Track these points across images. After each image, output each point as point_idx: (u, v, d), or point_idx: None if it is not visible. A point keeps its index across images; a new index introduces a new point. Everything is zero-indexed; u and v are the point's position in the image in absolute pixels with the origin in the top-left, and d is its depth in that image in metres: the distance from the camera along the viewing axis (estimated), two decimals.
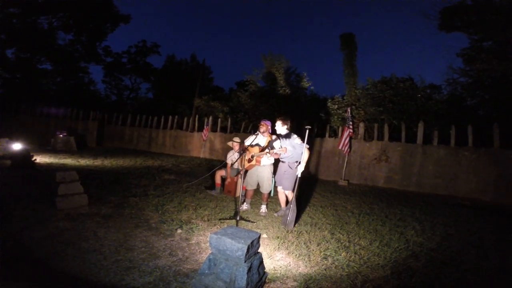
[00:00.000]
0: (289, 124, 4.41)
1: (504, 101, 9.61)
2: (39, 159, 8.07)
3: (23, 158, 6.66)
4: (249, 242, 2.22)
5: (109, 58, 23.56)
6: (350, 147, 8.40)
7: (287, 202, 4.52)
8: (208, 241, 3.18)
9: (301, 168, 4.14)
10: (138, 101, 25.11)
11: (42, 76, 20.53)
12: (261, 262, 2.45)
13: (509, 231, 4.34)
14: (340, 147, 8.36)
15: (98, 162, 8.84)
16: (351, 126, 8.34)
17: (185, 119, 13.48)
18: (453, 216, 5.04)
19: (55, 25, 19.40)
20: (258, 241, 2.42)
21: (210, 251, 2.86)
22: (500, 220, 5.01)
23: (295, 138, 4.31)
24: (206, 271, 2.27)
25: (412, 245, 3.51)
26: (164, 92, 21.64)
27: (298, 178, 4.16)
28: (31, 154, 7.14)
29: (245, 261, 2.20)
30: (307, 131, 4.18)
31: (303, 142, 4.15)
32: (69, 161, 8.63)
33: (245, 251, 2.17)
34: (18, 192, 4.67)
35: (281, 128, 4.38)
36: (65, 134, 11.60)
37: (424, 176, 7.73)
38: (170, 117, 13.60)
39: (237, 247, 2.19)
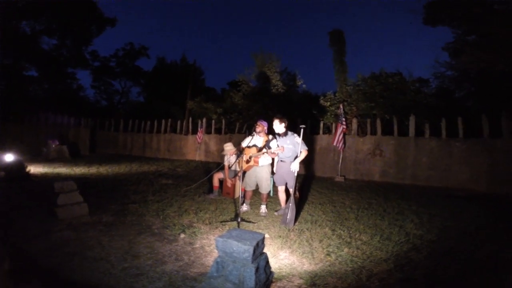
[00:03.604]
0: (286, 122, 4.47)
1: (490, 92, 9.86)
2: (33, 169, 7.95)
3: (17, 169, 6.57)
4: (254, 243, 2.26)
5: (97, 62, 23.32)
6: (344, 143, 8.51)
7: (287, 200, 4.58)
8: (214, 244, 3.23)
9: (295, 165, 4.22)
10: (129, 105, 24.90)
11: (28, 83, 20.12)
12: (267, 262, 2.50)
13: (503, 219, 4.48)
14: (334, 144, 8.46)
15: (93, 169, 8.76)
16: (344, 122, 8.45)
17: (179, 122, 13.43)
18: (449, 207, 5.16)
19: (38, 29, 19.01)
20: (263, 242, 2.46)
21: (215, 254, 2.90)
22: (494, 209, 5.13)
23: (296, 137, 4.38)
24: (215, 274, 2.31)
25: (413, 238, 3.59)
26: (155, 95, 21.50)
27: (295, 176, 4.25)
28: (25, 164, 7.04)
29: (252, 262, 2.24)
30: (302, 130, 4.26)
31: (300, 139, 4.25)
32: (63, 170, 8.53)
33: (252, 252, 2.21)
34: (17, 204, 4.62)
35: (278, 126, 4.43)
36: (57, 142, 11.44)
37: (418, 168, 7.90)
38: (163, 121, 13.54)
39: (244, 248, 2.23)
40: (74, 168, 8.84)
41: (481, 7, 9.07)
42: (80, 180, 6.22)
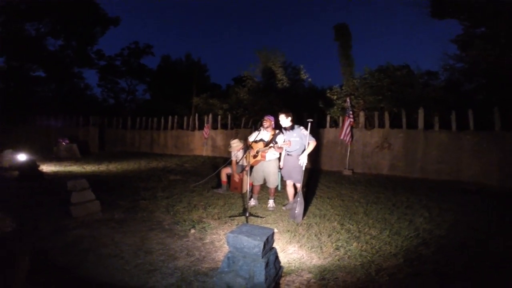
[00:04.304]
0: (292, 116, 4.48)
1: (502, 84, 9.63)
2: (45, 168, 8.12)
3: (31, 169, 6.70)
4: (264, 238, 2.30)
5: (102, 61, 23.45)
6: (352, 136, 8.46)
7: (295, 195, 4.60)
8: (223, 239, 3.29)
9: (304, 157, 4.24)
10: (136, 103, 25.09)
11: (36, 84, 20.42)
12: (277, 256, 2.53)
13: None
14: (342, 137, 8.41)
15: (103, 167, 8.90)
16: (351, 116, 8.38)
17: (185, 119, 13.51)
18: (459, 201, 5.09)
19: (42, 31, 19.23)
20: (273, 237, 2.50)
21: (225, 249, 2.95)
22: (505, 204, 5.05)
23: (302, 129, 4.39)
24: (226, 269, 2.35)
25: (422, 233, 3.57)
26: (161, 93, 21.62)
27: (303, 170, 4.27)
28: (37, 164, 7.18)
29: (262, 257, 2.27)
30: (309, 124, 4.26)
31: (308, 132, 4.26)
32: (74, 168, 8.69)
33: (262, 247, 2.24)
34: (31, 203, 4.73)
35: (285, 120, 4.44)
36: (67, 141, 11.62)
37: (428, 162, 7.79)
38: (170, 118, 13.63)
39: (254, 244, 2.26)
40: (85, 166, 8.99)
41: (487, 1, 8.85)
42: (91, 178, 6.29)
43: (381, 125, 8.74)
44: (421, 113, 8.03)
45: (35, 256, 2.68)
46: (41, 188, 5.87)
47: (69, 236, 3.38)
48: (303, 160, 4.25)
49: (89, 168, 8.73)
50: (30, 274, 2.17)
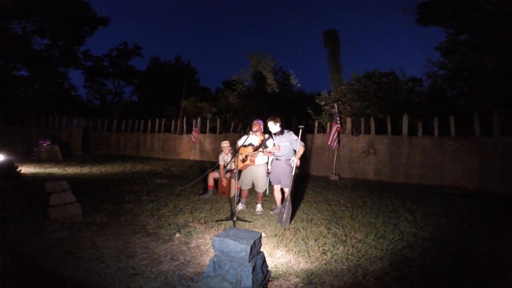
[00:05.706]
0: (280, 121, 4.50)
1: (482, 91, 9.99)
2: (24, 169, 7.82)
3: (8, 169, 6.45)
4: (251, 242, 2.26)
5: (89, 62, 23.07)
6: (339, 142, 8.55)
7: (282, 199, 4.59)
8: (209, 244, 3.22)
9: (296, 160, 4.28)
10: (123, 105, 24.68)
11: (19, 83, 19.79)
12: (264, 261, 2.50)
13: (496, 216, 4.54)
14: (329, 143, 8.50)
15: (86, 170, 8.65)
16: (338, 121, 8.49)
17: (173, 122, 13.36)
18: (442, 205, 5.22)
19: (29, 29, 18.71)
20: (260, 241, 2.46)
21: (211, 254, 2.89)
22: (486, 206, 5.21)
23: (292, 134, 4.44)
24: (212, 274, 2.30)
25: (407, 236, 3.62)
26: (149, 95, 21.35)
27: (293, 174, 4.27)
28: (16, 165, 6.92)
29: (249, 261, 2.23)
30: (300, 130, 4.29)
31: (298, 137, 4.29)
32: (55, 170, 8.40)
33: (249, 251, 2.20)
34: (8, 204, 4.53)
35: (273, 126, 4.48)
36: (48, 143, 11.24)
37: (412, 166, 7.97)
38: (157, 120, 13.44)
39: (241, 248, 2.21)
40: (67, 168, 8.72)
41: (472, 9, 9.20)
42: (72, 180, 6.14)
43: (367, 131, 8.89)
44: (405, 119, 8.22)
45: (10, 258, 2.55)
46: (19, 189, 5.65)
47: (47, 239, 3.24)
48: (295, 163, 4.29)
49: (71, 170, 8.46)
50: (4, 277, 2.06)
